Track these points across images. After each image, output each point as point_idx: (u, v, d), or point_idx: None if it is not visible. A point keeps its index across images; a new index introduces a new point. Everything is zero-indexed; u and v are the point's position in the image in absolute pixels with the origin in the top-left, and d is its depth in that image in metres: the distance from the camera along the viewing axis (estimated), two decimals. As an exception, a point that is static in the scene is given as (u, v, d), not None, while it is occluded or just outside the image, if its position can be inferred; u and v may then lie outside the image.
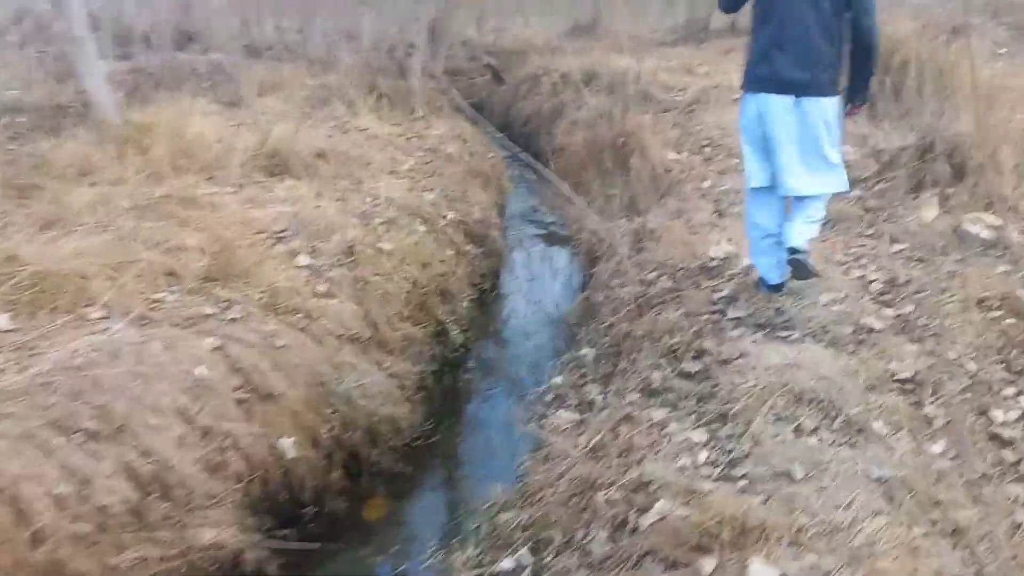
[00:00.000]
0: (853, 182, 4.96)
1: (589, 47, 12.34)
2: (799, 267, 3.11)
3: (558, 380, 3.47)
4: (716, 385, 2.59)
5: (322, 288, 4.01)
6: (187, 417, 2.81)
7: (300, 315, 3.68)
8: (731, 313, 3.20)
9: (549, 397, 3.39)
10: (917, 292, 3.38)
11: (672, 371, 2.80)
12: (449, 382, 4.39)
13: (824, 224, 4.32)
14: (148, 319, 3.26)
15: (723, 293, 3.42)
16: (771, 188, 3.16)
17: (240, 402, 3.06)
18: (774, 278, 3.33)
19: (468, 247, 5.82)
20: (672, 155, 5.86)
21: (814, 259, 3.46)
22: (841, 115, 3.10)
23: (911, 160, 4.52)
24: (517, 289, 5.84)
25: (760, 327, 3.06)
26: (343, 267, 4.22)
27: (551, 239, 6.55)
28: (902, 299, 3.30)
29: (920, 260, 3.75)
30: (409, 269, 4.55)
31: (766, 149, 3.07)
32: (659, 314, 3.30)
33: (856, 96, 3.10)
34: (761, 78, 3.00)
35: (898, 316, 3.17)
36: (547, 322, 4.94)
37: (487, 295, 5.51)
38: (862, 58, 2.99)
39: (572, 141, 6.35)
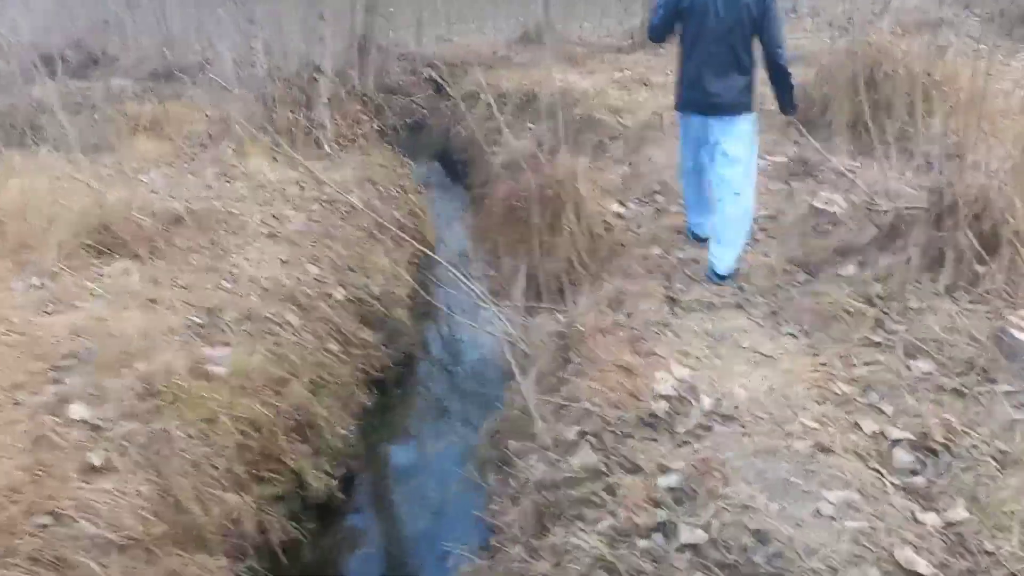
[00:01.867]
0: (847, 249, 3.85)
1: (535, 58, 11.17)
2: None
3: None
4: None
5: (98, 459, 2.75)
6: None
7: (34, 523, 2.41)
8: (683, 535, 2.00)
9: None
10: (966, 469, 2.21)
11: None
12: (298, 568, 3.12)
13: (806, 334, 3.19)
14: None
15: (672, 479, 2.22)
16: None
17: None
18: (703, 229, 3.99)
19: (364, 334, 4.58)
20: (615, 207, 4.68)
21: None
22: (759, 129, 3.74)
23: (923, 227, 3.36)
24: (424, 389, 4.59)
25: (732, 572, 1.87)
26: (138, 418, 2.96)
27: (478, 309, 5.30)
28: (945, 489, 2.13)
29: (957, 393, 2.59)
30: (248, 403, 3.29)
31: (695, 155, 3.79)
32: (570, 531, 2.10)
33: (785, 109, 3.74)
34: (690, 100, 3.65)
35: (947, 529, 1.99)
36: (448, 461, 3.69)
37: (383, 400, 4.27)
38: (780, 79, 3.59)
39: (494, 190, 5.13)
